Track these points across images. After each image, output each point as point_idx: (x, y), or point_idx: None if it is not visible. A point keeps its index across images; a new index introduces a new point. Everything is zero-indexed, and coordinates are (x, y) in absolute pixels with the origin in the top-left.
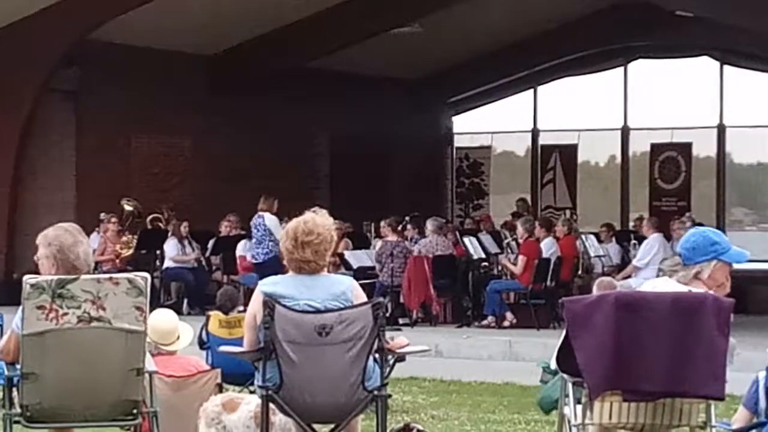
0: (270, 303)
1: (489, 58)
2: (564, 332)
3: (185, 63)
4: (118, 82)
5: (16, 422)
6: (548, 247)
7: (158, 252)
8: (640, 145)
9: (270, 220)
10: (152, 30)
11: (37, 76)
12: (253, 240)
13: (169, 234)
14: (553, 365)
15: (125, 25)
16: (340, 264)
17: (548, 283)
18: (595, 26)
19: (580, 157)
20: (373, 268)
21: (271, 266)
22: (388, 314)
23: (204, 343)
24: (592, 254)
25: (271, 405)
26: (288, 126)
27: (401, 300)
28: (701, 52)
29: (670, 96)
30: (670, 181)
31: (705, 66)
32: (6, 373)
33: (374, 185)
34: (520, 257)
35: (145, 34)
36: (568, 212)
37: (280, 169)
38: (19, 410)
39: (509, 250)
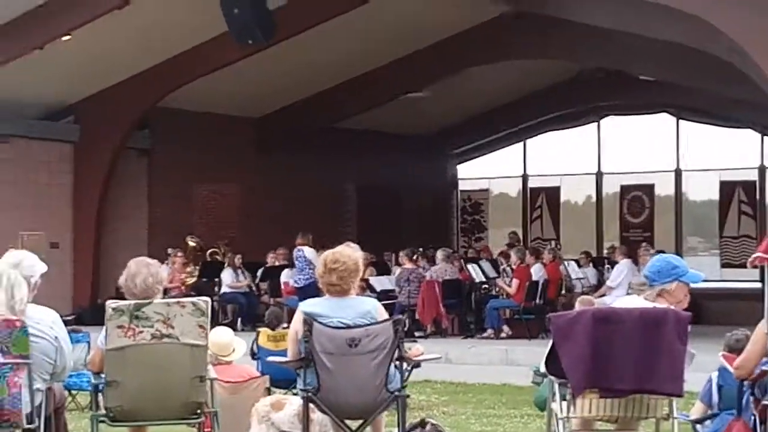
0: (309, 320)
1: (486, 117)
2: (551, 341)
3: (235, 125)
4: (181, 141)
5: (102, 422)
6: (537, 272)
7: (216, 280)
8: (611, 187)
9: (309, 252)
10: (209, 97)
11: (116, 137)
12: (296, 268)
13: (226, 265)
14: (542, 369)
15: (188, 94)
16: (366, 288)
17: (537, 301)
18: (572, 90)
19: (563, 197)
20: (393, 290)
21: (310, 290)
22: (406, 329)
23: (255, 354)
24: (573, 277)
25: (311, 405)
26: (321, 175)
27: (416, 317)
28: (660, 109)
29: (636, 146)
30: (637, 216)
31: (664, 121)
32: (93, 381)
33: (393, 223)
34: (514, 280)
35: (203, 101)
36: (553, 242)
37: (316, 211)
38: (103, 412)
39: (505, 275)
